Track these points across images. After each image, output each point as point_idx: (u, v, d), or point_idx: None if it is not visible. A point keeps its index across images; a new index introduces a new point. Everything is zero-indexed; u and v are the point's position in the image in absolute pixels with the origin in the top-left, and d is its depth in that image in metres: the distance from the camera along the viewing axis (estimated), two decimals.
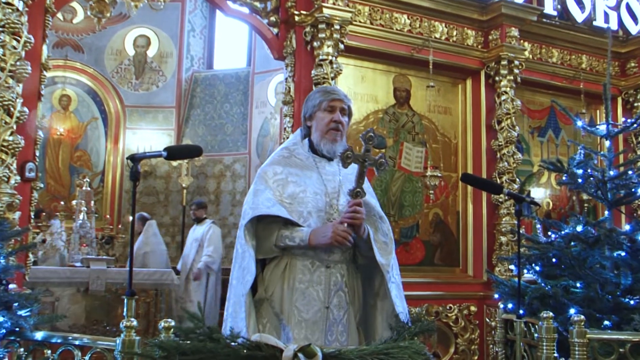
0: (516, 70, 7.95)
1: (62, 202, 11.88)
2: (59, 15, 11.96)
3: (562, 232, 5.95)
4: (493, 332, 7.47)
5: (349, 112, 3.77)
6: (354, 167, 3.65)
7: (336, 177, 3.69)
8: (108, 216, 12.88)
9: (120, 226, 12.85)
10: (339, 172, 3.72)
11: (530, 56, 8.46)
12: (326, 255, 3.53)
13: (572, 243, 5.79)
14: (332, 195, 3.61)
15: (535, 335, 5.32)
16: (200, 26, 14.72)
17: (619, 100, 9.12)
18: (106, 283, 8.61)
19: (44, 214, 10.32)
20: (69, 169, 13.26)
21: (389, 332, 3.51)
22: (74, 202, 10.87)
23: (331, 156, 3.70)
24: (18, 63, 5.36)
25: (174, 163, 13.34)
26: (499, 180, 7.78)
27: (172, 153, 3.33)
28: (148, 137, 13.65)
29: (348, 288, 3.60)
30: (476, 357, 7.69)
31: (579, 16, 8.71)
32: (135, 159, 3.20)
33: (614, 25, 8.86)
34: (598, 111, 9.11)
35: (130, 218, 9.97)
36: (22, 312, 3.74)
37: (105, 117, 13.57)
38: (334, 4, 6.95)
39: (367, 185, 3.68)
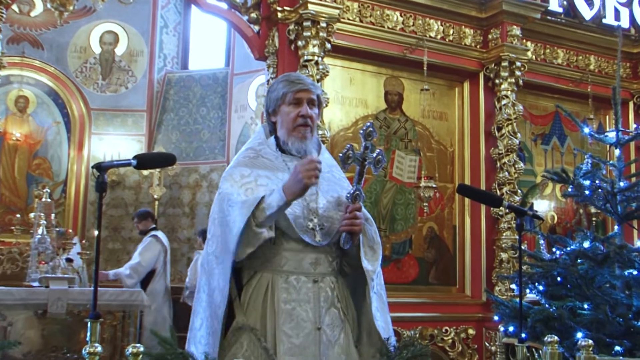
0: (518, 72, 8.00)
1: (18, 215, 11.75)
2: (14, 7, 11.88)
3: (568, 249, 5.97)
4: (493, 357, 7.48)
5: (318, 102, 3.62)
6: (330, 165, 3.64)
7: None
8: (70, 230, 12.79)
9: (84, 241, 12.77)
10: None
11: (534, 57, 8.51)
12: (312, 267, 3.42)
13: (579, 260, 5.80)
14: (309, 197, 3.47)
15: None
16: (174, 22, 14.72)
17: (630, 104, 9.17)
18: (67, 304, 8.51)
19: None
20: (26, 178, 13.15)
21: (372, 351, 3.47)
22: (31, 215, 10.76)
23: (301, 155, 3.54)
24: None
25: (145, 172, 13.25)
26: (499, 192, 7.81)
27: (143, 161, 3.28)
28: (116, 143, 13.59)
29: (341, 303, 3.48)
30: None
31: (587, 13, 8.76)
32: (101, 167, 3.16)
33: (625, 23, 8.90)
34: (607, 117, 9.17)
35: (96, 232, 9.92)
36: None
37: (68, 121, 13.48)
38: None
39: (347, 183, 3.65)
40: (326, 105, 7.06)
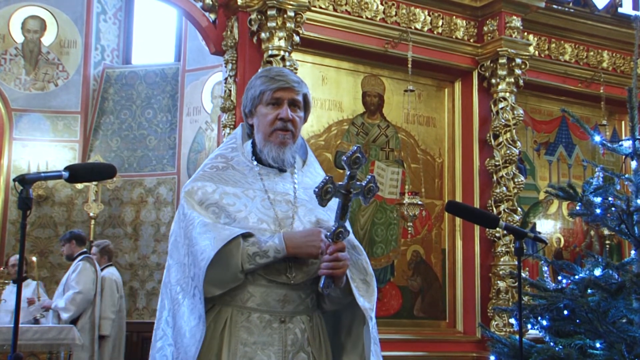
0: (518, 71, 8.05)
1: None
2: None
3: (577, 277, 5.99)
4: None
5: (305, 104, 3.55)
6: (317, 179, 3.52)
7: (289, 196, 3.49)
8: None
9: (2, 269, 12.62)
10: (293, 187, 3.53)
11: (537, 53, 8.59)
12: (279, 305, 3.34)
13: (590, 291, 5.83)
14: (284, 222, 3.40)
15: None
16: (114, 8, 14.66)
17: None
18: None
19: None
20: None
21: None
22: None
23: (279, 166, 3.49)
24: None
25: (79, 186, 13.17)
26: (495, 210, 7.85)
27: (77, 173, 3.26)
28: (43, 151, 13.48)
29: (312, 347, 3.40)
30: None
31: (600, 1, 8.84)
32: (25, 180, 3.12)
33: None
34: (622, 123, 9.25)
35: (17, 258, 9.82)
36: None
37: None
38: None
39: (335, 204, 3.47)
40: None
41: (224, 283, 3.28)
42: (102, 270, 10.53)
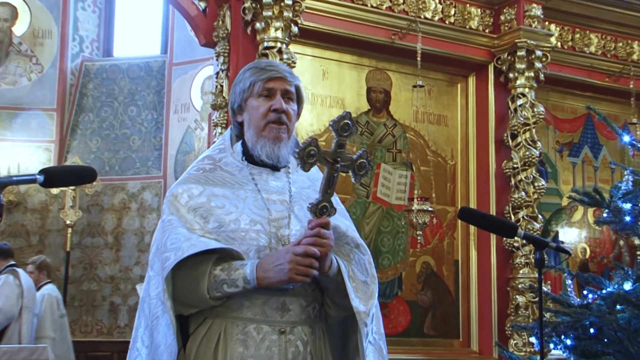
0: (538, 64, 8.07)
1: None
2: None
3: (604, 292, 6.00)
4: None
5: (297, 96, 3.58)
6: (314, 179, 3.50)
7: (284, 195, 3.50)
8: None
9: None
10: (288, 187, 3.54)
11: (559, 44, 8.59)
12: (278, 314, 3.34)
13: (619, 307, 5.83)
14: (279, 223, 3.41)
15: None
16: None
17: None
18: None
19: None
20: None
21: None
22: None
23: (274, 163, 3.50)
24: None
25: (54, 191, 13.17)
26: (513, 218, 7.86)
27: (52, 177, 3.21)
28: (15, 152, 13.51)
29: None
30: None
31: None
32: None
33: None
34: None
35: None
36: None
37: None
38: None
39: (335, 201, 3.45)
40: None
41: (196, 304, 3.31)
42: (41, 287, 10.59)
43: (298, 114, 3.62)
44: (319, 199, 3.25)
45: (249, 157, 3.53)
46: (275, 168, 3.53)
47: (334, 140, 3.24)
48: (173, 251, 3.23)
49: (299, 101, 3.61)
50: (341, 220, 3.52)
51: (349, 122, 3.21)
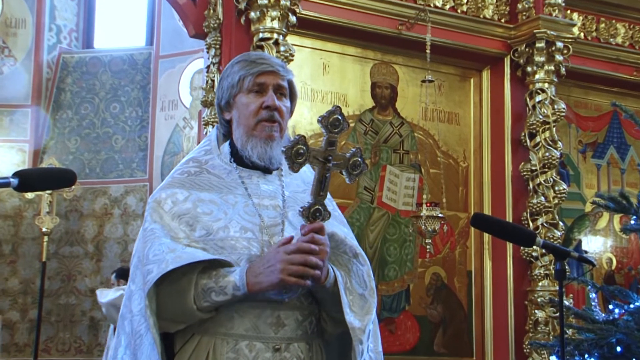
0: (559, 57, 8.05)
1: None
2: None
3: (632, 306, 6.00)
4: None
5: (290, 92, 3.55)
6: (309, 183, 3.38)
7: (277, 200, 3.49)
8: None
9: None
10: (281, 191, 3.53)
11: (582, 35, 8.58)
12: (272, 329, 3.31)
13: None
14: (271, 230, 3.39)
15: None
16: None
17: None
18: None
19: None
20: None
21: None
22: None
23: (266, 165, 3.47)
24: None
25: (29, 195, 13.16)
26: (532, 225, 7.85)
27: (27, 180, 3.20)
28: None
29: None
30: None
31: None
32: None
33: None
34: None
35: None
36: None
37: None
38: None
39: (332, 207, 3.47)
40: None
41: (182, 319, 3.29)
42: None
43: (291, 111, 3.58)
44: (311, 202, 3.24)
45: (238, 158, 3.51)
46: (266, 170, 3.50)
47: (323, 137, 3.23)
48: (156, 264, 3.20)
49: (292, 97, 3.57)
50: (338, 227, 3.50)
51: (339, 117, 3.21)
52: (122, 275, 11.10)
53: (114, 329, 11.08)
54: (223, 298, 3.20)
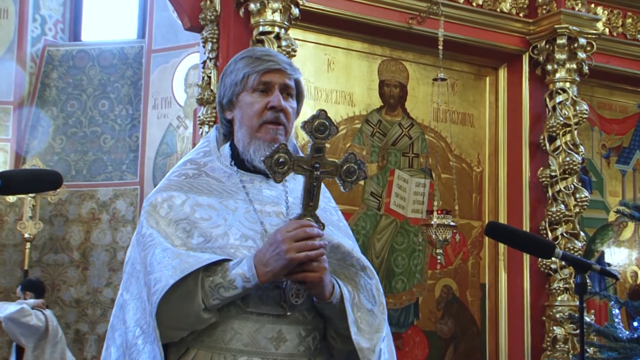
0: (582, 54, 8.05)
1: None
2: None
3: None
4: None
5: (297, 92, 3.56)
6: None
7: (280, 207, 3.50)
8: None
9: None
10: (284, 196, 3.53)
11: (607, 30, 8.59)
12: (273, 345, 3.30)
13: None
14: None
15: None
16: None
17: None
18: None
19: None
20: None
21: None
22: None
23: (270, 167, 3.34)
24: None
25: (10, 198, 13.20)
26: (550, 235, 7.85)
27: (10, 183, 3.25)
28: None
29: None
30: None
31: None
32: None
33: None
34: None
35: None
36: None
37: None
38: None
39: (337, 217, 3.53)
40: None
41: (185, 326, 3.27)
42: None
43: (297, 112, 3.59)
44: (300, 214, 3.24)
45: (239, 161, 3.52)
46: (269, 175, 3.41)
47: (309, 144, 3.23)
48: (162, 271, 3.19)
49: (299, 97, 3.58)
50: (344, 239, 3.49)
51: (325, 121, 3.20)
52: (29, 287, 11.16)
53: (16, 346, 11.18)
54: (233, 292, 3.19)
